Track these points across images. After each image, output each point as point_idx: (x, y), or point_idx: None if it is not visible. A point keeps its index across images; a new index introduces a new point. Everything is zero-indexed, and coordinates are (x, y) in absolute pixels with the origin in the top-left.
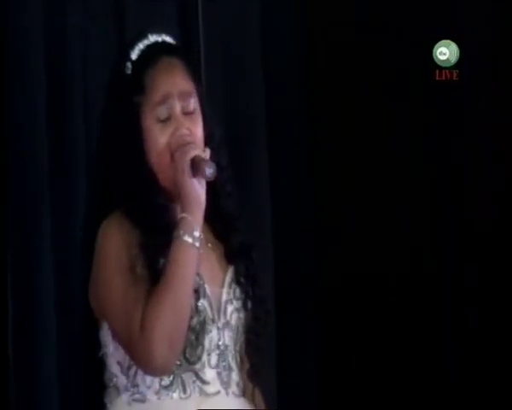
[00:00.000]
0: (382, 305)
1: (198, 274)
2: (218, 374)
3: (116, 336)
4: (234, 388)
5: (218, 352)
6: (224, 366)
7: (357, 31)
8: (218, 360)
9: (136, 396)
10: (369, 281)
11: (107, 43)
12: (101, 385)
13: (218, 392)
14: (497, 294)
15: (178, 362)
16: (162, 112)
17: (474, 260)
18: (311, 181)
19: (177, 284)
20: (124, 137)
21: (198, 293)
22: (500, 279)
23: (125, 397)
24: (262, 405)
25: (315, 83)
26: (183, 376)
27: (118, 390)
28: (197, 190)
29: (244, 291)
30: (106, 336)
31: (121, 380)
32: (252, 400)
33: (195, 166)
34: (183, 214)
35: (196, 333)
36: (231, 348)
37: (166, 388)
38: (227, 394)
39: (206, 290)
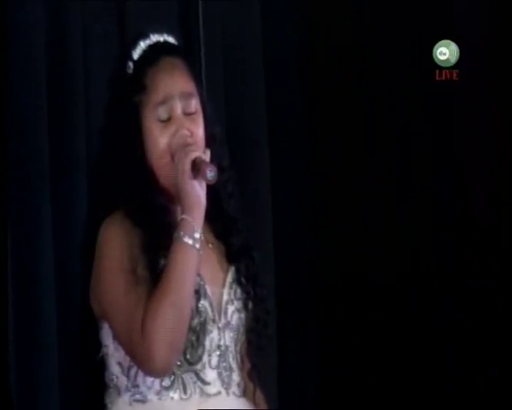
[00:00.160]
0: (383, 305)
1: (199, 275)
2: (219, 375)
3: (116, 336)
4: (234, 388)
5: (218, 352)
6: (225, 367)
7: (357, 31)
8: (219, 361)
9: (137, 397)
10: (369, 281)
11: (107, 43)
12: (101, 386)
13: (219, 393)
14: (497, 294)
15: (179, 363)
16: (163, 112)
17: (474, 260)
18: (312, 181)
19: (177, 285)
20: (124, 137)
21: (199, 293)
22: (500, 279)
23: (125, 398)
24: (263, 405)
25: (316, 83)
26: (184, 376)
27: (118, 391)
28: (197, 192)
29: (245, 291)
30: (106, 336)
31: (122, 380)
32: (253, 400)
33: (196, 168)
34: (184, 216)
35: (197, 334)
36: (232, 348)
37: (167, 388)
38: (228, 394)
39: (207, 291)
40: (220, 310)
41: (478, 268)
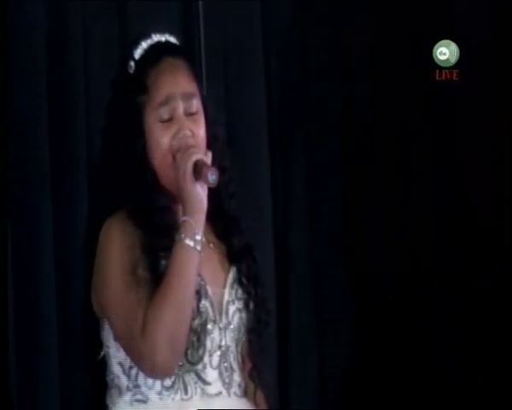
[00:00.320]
0: (383, 305)
1: (199, 275)
2: (220, 375)
3: (117, 338)
4: (235, 388)
5: (219, 353)
6: (226, 367)
7: (357, 31)
8: (220, 361)
9: (138, 397)
10: (368, 281)
11: (108, 43)
12: (102, 385)
13: (220, 393)
14: (497, 294)
15: (180, 363)
16: (165, 112)
17: (474, 260)
18: (312, 181)
19: (178, 287)
20: (126, 137)
21: (199, 294)
22: (500, 279)
23: (126, 398)
24: (263, 405)
25: (316, 83)
26: (185, 377)
27: (120, 391)
28: (199, 194)
29: (246, 291)
30: (107, 336)
31: (123, 381)
32: (253, 400)
33: (198, 170)
34: (185, 218)
35: (198, 334)
36: (233, 348)
37: (168, 389)
38: (229, 394)
39: (208, 291)
40: (221, 310)
41: (478, 268)
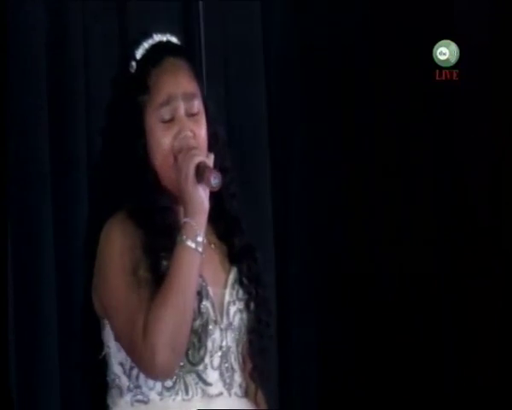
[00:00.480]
0: (383, 305)
1: (201, 276)
2: (221, 375)
3: (118, 338)
4: (236, 389)
5: (220, 353)
6: (227, 368)
7: (357, 31)
8: (221, 362)
9: (139, 397)
10: (368, 281)
11: (108, 43)
12: (103, 386)
13: (221, 393)
14: (497, 294)
15: (181, 364)
16: (166, 113)
17: (474, 260)
18: (312, 181)
19: (179, 288)
20: (127, 137)
21: (200, 295)
22: (500, 279)
23: (127, 398)
24: (264, 405)
25: (316, 83)
26: (186, 377)
27: (120, 391)
28: (201, 197)
29: (247, 292)
30: (108, 336)
31: (123, 381)
32: (254, 400)
33: (200, 173)
34: (186, 219)
35: (199, 335)
36: (234, 349)
37: (169, 389)
38: (229, 395)
39: (209, 292)
40: (222, 311)
41: (478, 268)
